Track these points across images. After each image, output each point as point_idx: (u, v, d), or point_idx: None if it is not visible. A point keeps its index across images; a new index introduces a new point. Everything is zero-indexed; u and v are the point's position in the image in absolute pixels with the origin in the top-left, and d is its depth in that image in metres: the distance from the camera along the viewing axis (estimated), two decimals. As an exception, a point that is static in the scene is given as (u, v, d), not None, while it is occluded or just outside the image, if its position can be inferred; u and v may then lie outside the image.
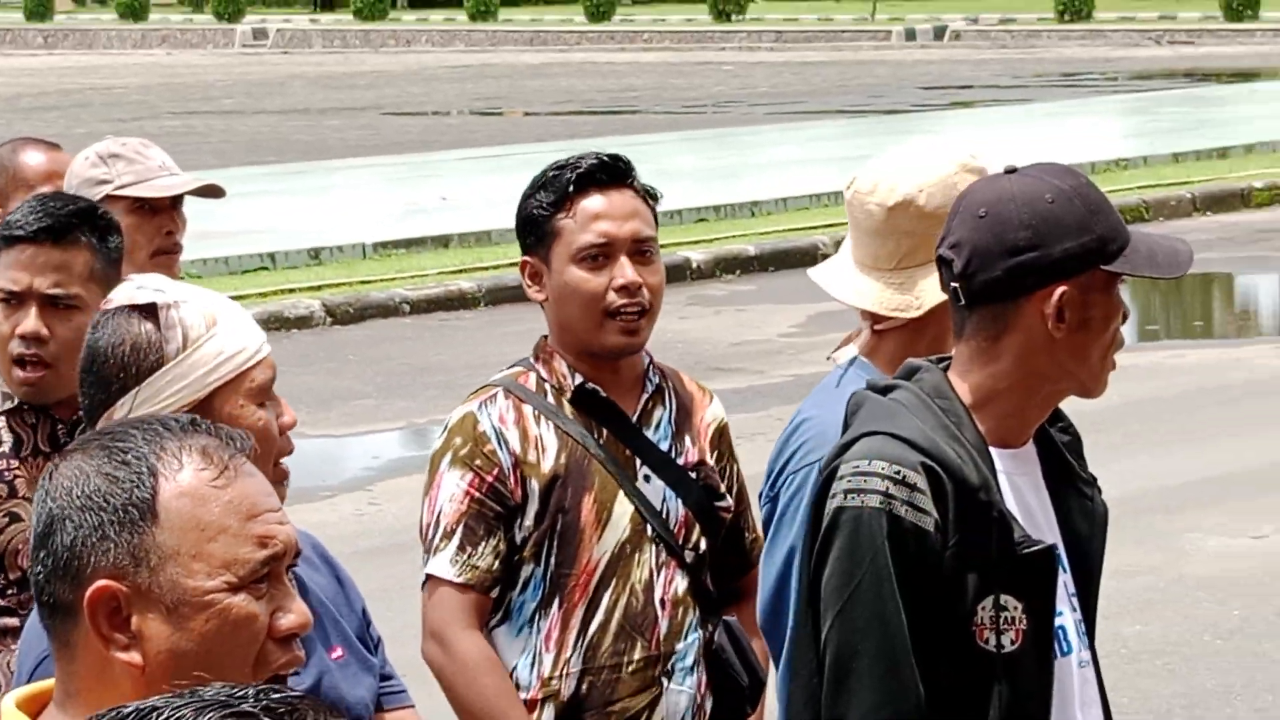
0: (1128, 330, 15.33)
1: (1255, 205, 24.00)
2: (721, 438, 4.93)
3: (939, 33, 63.95)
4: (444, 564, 4.57)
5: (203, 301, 3.80)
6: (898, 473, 3.66)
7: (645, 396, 4.78)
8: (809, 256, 17.50)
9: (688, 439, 4.78)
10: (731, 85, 48.20)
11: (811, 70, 51.59)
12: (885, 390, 3.77)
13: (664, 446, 4.74)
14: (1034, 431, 3.86)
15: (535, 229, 4.81)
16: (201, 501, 2.61)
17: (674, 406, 4.82)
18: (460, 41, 70.46)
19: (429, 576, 4.62)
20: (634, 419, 4.74)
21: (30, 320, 4.53)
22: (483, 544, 4.55)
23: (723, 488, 4.83)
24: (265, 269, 19.16)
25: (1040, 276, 3.69)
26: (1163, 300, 19.31)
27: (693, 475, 4.73)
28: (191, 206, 5.96)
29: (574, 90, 47.81)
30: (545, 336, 4.83)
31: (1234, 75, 47.09)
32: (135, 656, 2.57)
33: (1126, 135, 32.57)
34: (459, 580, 4.55)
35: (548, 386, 4.68)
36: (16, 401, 4.67)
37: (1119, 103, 41.27)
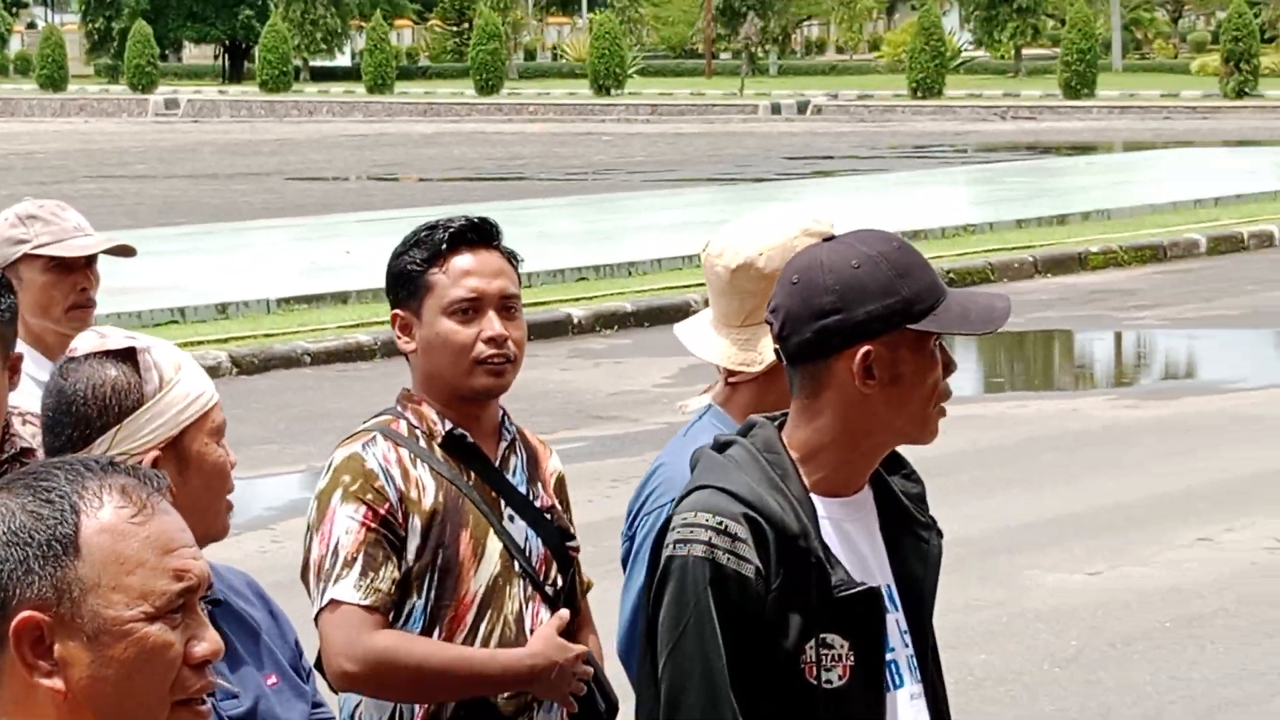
0: (974, 382, 15.38)
1: (1091, 268, 24.18)
2: (561, 487, 4.92)
3: (802, 107, 64.38)
4: (348, 589, 4.46)
5: (167, 348, 3.84)
6: (721, 523, 3.67)
7: (503, 445, 4.74)
8: (681, 313, 17.44)
9: (539, 485, 4.76)
10: (610, 154, 48.25)
11: (684, 141, 51.76)
12: (722, 447, 3.78)
13: (522, 490, 4.71)
14: (866, 480, 3.85)
15: (408, 284, 4.76)
16: (121, 537, 2.59)
17: (525, 455, 4.79)
18: (359, 112, 70.49)
19: (331, 602, 4.49)
20: (496, 464, 4.70)
21: None
22: (382, 569, 4.47)
23: (572, 529, 4.82)
24: (175, 322, 19.05)
25: (845, 337, 3.70)
26: (1007, 355, 19.41)
27: (548, 517, 4.71)
28: (106, 264, 5.94)
29: (465, 158, 47.83)
30: (407, 388, 4.78)
31: (1072, 148, 47.58)
32: (58, 683, 2.56)
33: (974, 203, 32.72)
34: (365, 602, 4.45)
35: (418, 432, 4.62)
36: None
37: (967, 173, 41.48)
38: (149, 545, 2.62)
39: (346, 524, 4.50)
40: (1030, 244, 25.18)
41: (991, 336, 19.63)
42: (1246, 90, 61.92)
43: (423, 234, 4.75)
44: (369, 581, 4.44)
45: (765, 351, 4.44)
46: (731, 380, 4.59)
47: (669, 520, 3.79)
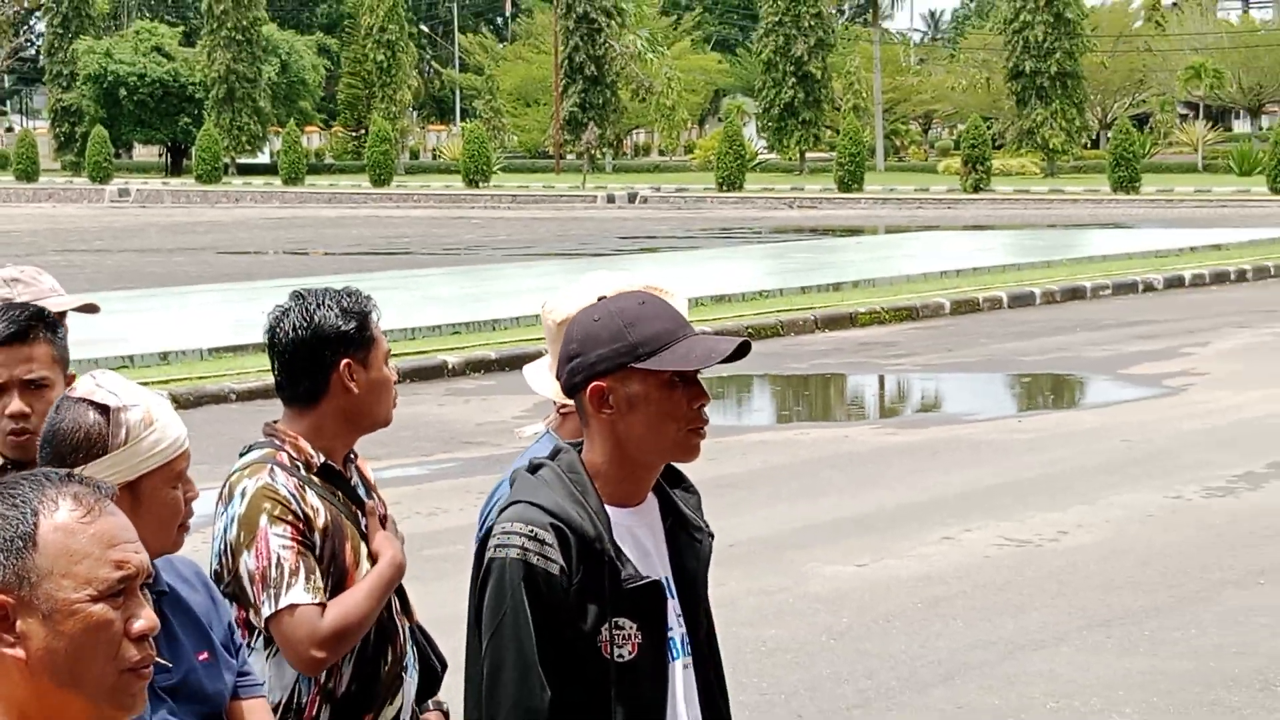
0: (767, 415, 15.41)
1: (860, 325, 24.30)
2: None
3: (631, 198, 64.52)
4: (300, 594, 4.33)
5: (145, 405, 3.82)
6: (532, 531, 3.69)
7: (353, 468, 4.64)
8: (536, 359, 17.57)
9: (375, 499, 4.67)
10: (479, 234, 48.12)
11: (538, 224, 51.73)
12: (535, 469, 3.80)
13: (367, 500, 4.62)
14: (648, 491, 3.85)
15: (350, 340, 4.57)
16: (71, 534, 2.62)
17: (358, 473, 4.67)
18: (276, 199, 70.07)
19: (289, 607, 4.34)
20: (351, 483, 4.60)
21: (15, 403, 4.46)
22: (315, 573, 4.36)
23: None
24: (125, 367, 18.74)
25: (585, 376, 3.73)
26: (794, 394, 19.50)
27: (386, 516, 4.62)
28: (72, 320, 5.87)
29: (362, 236, 47.59)
30: (272, 422, 4.63)
31: (845, 230, 48.01)
32: (19, 652, 2.58)
33: (767, 274, 32.82)
34: (315, 601, 4.33)
35: (299, 463, 4.47)
36: (3, 461, 4.55)
37: (763, 250, 41.65)
38: (95, 540, 2.64)
39: (281, 542, 4.36)
40: (811, 306, 25.25)
41: (781, 380, 19.79)
42: (981, 186, 62.74)
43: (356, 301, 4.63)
44: (313, 583, 4.33)
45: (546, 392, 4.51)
46: (561, 411, 4.60)
47: (490, 530, 3.81)
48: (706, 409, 3.78)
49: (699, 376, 3.75)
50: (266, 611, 4.34)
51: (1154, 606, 10.27)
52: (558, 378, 3.88)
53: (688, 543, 3.91)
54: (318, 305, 4.55)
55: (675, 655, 3.83)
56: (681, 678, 3.84)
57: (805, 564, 11.27)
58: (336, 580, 4.44)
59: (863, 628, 9.95)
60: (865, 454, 15.30)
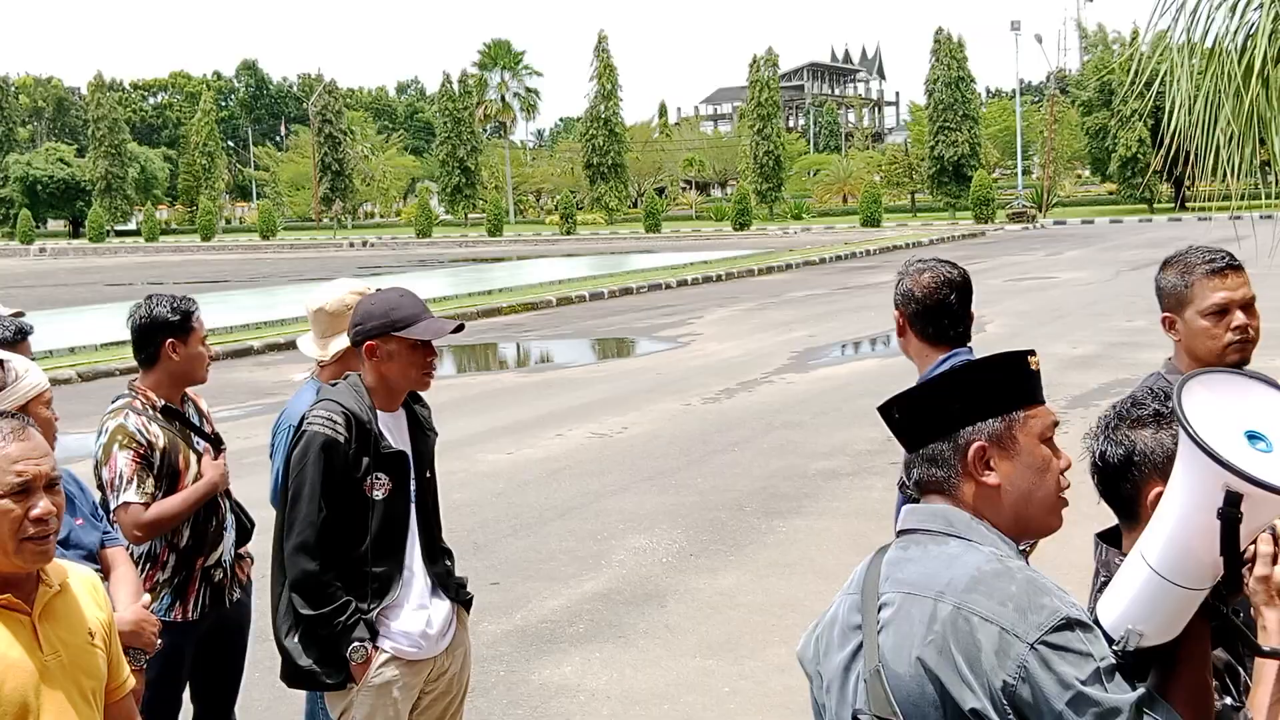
0: (452, 367, 14.88)
1: (504, 314, 24.16)
2: (209, 416, 4.52)
3: (364, 243, 62.33)
4: (133, 494, 4.10)
5: (21, 362, 3.60)
6: (331, 416, 3.62)
7: (188, 404, 4.38)
8: (303, 335, 17.16)
9: (204, 419, 4.41)
10: (270, 268, 45.93)
11: (306, 261, 49.55)
12: (336, 387, 3.74)
13: (198, 423, 4.37)
14: (399, 404, 3.79)
15: (174, 327, 4.30)
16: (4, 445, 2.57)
17: (195, 407, 4.43)
18: (140, 251, 65.46)
19: (123, 504, 4.10)
20: (186, 415, 4.34)
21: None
22: (146, 481, 4.11)
23: (218, 434, 4.50)
24: (47, 356, 17.53)
25: (364, 336, 3.68)
26: (470, 356, 19.28)
27: (209, 432, 4.38)
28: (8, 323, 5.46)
29: (197, 271, 44.88)
30: (133, 380, 4.35)
31: (493, 259, 47.22)
32: None
33: (449, 285, 32.27)
34: (141, 500, 4.09)
35: (148, 406, 4.21)
36: None
37: (445, 271, 40.60)
38: (3, 459, 2.56)
39: (125, 459, 4.13)
40: (475, 304, 24.94)
41: (467, 349, 19.33)
42: (570, 231, 62.42)
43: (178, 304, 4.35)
44: (143, 489, 4.10)
45: (332, 349, 4.38)
46: (321, 364, 4.46)
47: (305, 416, 3.70)
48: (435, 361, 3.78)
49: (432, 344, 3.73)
50: (112, 504, 4.16)
51: (677, 467, 10.44)
52: (350, 337, 3.80)
53: (421, 437, 3.86)
54: (157, 304, 4.35)
55: (411, 501, 3.77)
56: (414, 515, 3.80)
57: (476, 454, 11.15)
58: (171, 477, 4.23)
59: (512, 489, 9.90)
60: (511, 389, 15.21)
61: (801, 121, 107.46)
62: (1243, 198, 4.19)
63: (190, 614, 4.28)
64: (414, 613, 3.70)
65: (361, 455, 3.62)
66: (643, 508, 9.13)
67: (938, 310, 3.67)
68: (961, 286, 3.74)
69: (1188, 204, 55.23)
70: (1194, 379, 1.84)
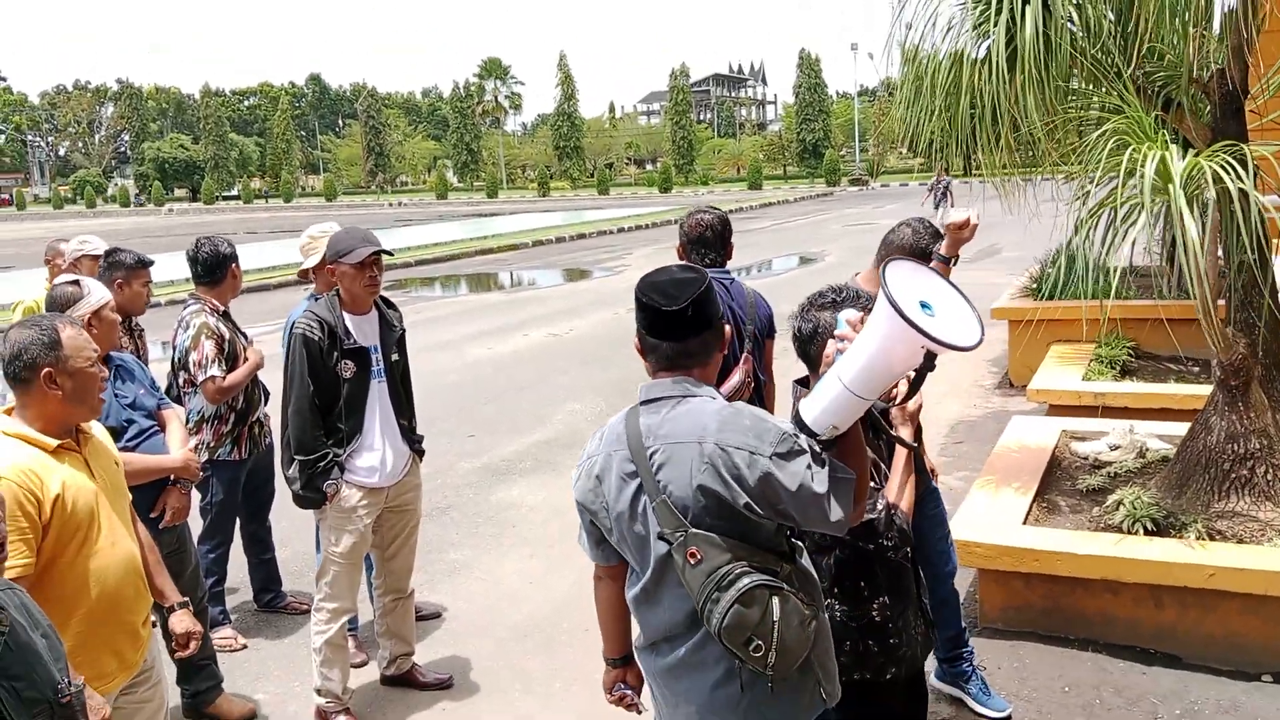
0: (465, 288, 14.15)
1: (498, 251, 23.34)
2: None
3: (399, 204, 60.47)
4: (216, 369, 4.07)
5: (91, 282, 3.42)
6: (309, 322, 3.53)
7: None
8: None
9: (243, 333, 4.33)
10: (333, 221, 44.81)
11: (359, 217, 48.29)
12: (320, 297, 3.66)
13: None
14: (370, 307, 3.64)
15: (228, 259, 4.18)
16: (72, 338, 2.49)
17: (232, 323, 4.33)
18: (242, 210, 63.24)
19: (210, 377, 4.05)
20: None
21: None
22: (220, 359, 4.06)
23: None
24: (170, 285, 16.84)
25: (328, 263, 3.58)
26: (469, 282, 18.66)
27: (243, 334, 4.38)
28: None
29: (276, 224, 43.70)
30: (195, 292, 4.21)
31: (491, 214, 45.65)
32: (59, 393, 2.49)
33: (455, 231, 31.47)
34: (220, 374, 4.05)
35: (214, 311, 4.13)
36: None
37: (454, 222, 39.58)
38: (85, 340, 2.50)
39: (210, 346, 4.07)
40: (474, 245, 24.11)
41: (469, 276, 18.43)
42: (546, 194, 61.17)
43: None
44: (221, 366, 4.07)
45: (303, 266, 4.23)
46: (301, 272, 4.29)
47: (294, 322, 3.61)
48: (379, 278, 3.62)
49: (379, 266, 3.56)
50: (200, 377, 4.11)
51: (605, 355, 10.07)
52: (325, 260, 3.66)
53: (388, 331, 3.73)
54: (219, 243, 4.24)
55: (379, 379, 3.67)
56: (377, 388, 3.69)
57: (466, 349, 10.77)
58: (233, 359, 4.19)
59: (489, 373, 9.60)
60: (495, 304, 14.78)
61: (707, 115, 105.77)
62: (1003, 167, 4.03)
63: (243, 454, 4.37)
64: (371, 453, 3.70)
65: (333, 349, 3.57)
66: (578, 383, 9.01)
67: (698, 242, 3.63)
68: (717, 227, 3.66)
69: (971, 171, 55.28)
70: (892, 263, 1.86)
